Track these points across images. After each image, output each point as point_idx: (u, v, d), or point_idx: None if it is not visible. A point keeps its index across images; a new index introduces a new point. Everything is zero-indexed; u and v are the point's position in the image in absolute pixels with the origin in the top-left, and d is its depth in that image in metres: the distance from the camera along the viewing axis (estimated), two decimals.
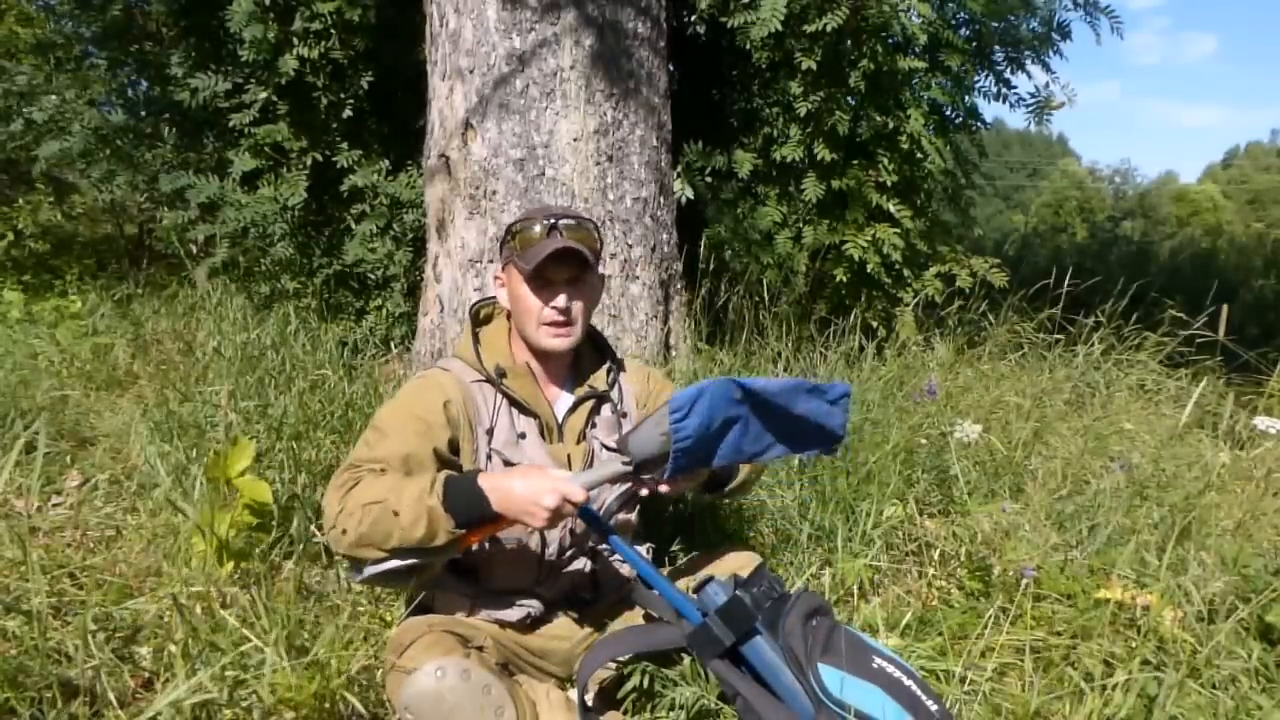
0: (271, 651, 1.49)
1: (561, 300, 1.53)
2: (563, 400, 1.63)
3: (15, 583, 1.67)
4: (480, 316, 1.69)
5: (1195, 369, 3.34)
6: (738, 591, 1.35)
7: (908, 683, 1.34)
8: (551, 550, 1.58)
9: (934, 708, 1.32)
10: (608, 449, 1.63)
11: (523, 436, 1.55)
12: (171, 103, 4.25)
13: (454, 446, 1.50)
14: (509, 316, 1.64)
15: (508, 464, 1.52)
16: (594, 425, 1.64)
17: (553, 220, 1.53)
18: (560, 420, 1.61)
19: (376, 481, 1.36)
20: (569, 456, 1.59)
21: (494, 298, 1.70)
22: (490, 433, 1.53)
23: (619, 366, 1.72)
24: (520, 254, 1.53)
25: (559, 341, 1.56)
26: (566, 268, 1.52)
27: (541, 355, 1.60)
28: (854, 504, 2.22)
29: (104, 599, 1.73)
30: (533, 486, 1.30)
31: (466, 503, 1.31)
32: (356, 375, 3.01)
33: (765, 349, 3.20)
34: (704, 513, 2.21)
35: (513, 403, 1.56)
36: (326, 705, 1.48)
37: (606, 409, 1.65)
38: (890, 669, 1.35)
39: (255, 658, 1.48)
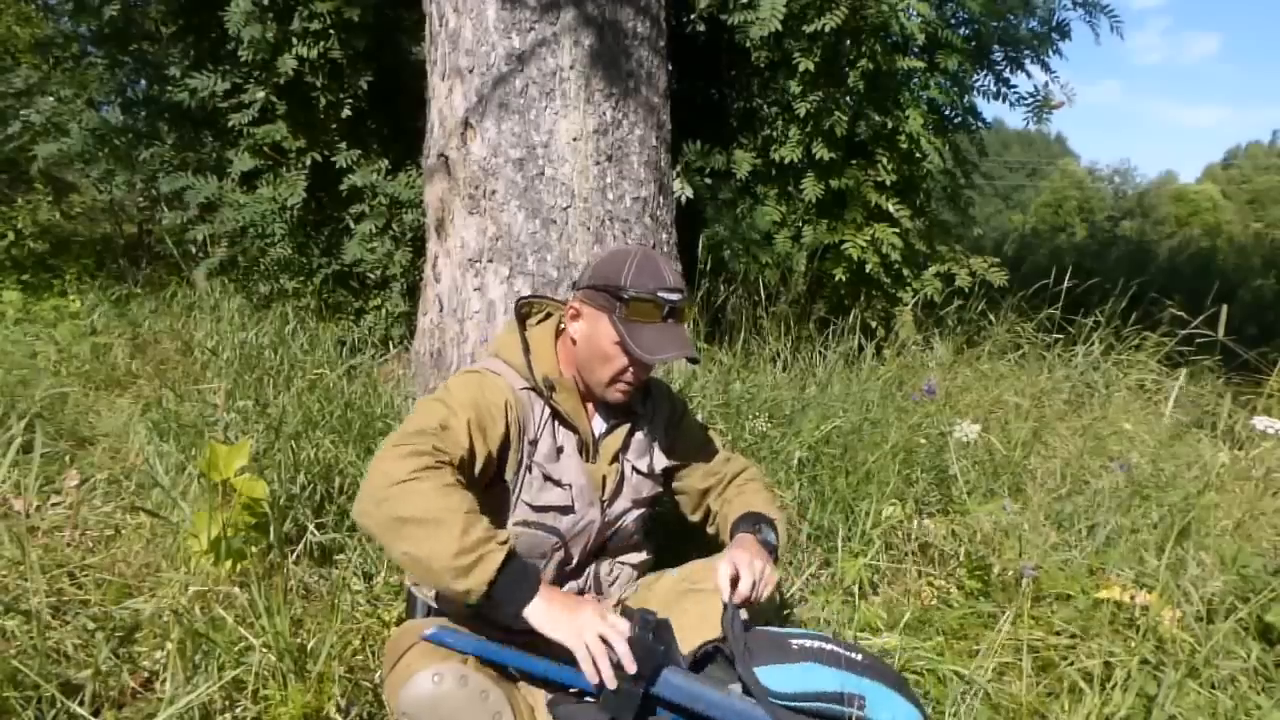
0: (270, 654, 1.49)
1: (645, 373, 1.54)
2: (598, 418, 1.62)
3: (14, 582, 1.67)
4: (521, 313, 1.65)
5: (1193, 369, 3.34)
6: (633, 633, 1.29)
7: (829, 646, 1.38)
8: (574, 559, 1.58)
9: (858, 657, 1.37)
10: (638, 473, 1.64)
11: (561, 451, 1.55)
12: (170, 102, 4.25)
13: (502, 455, 1.47)
14: (559, 331, 1.60)
15: (547, 478, 1.51)
16: (627, 449, 1.63)
17: (668, 304, 1.48)
18: (596, 438, 1.60)
19: (453, 492, 1.28)
20: (604, 477, 1.58)
21: (532, 297, 1.69)
22: (534, 444, 1.52)
23: (654, 390, 1.72)
24: (626, 324, 1.47)
25: (624, 399, 1.55)
26: None
27: None
28: (853, 504, 2.22)
29: (103, 598, 1.73)
30: (586, 616, 1.27)
31: (517, 581, 1.26)
32: (355, 375, 3.01)
33: (764, 349, 3.20)
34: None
35: (556, 416, 1.55)
36: (321, 709, 1.49)
37: (640, 433, 1.65)
38: (809, 642, 1.39)
39: (253, 658, 1.48)
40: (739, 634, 1.37)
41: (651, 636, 1.29)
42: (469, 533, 1.24)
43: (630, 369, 1.51)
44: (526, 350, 1.56)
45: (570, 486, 1.53)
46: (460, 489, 1.31)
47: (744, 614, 1.43)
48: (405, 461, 1.28)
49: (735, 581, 1.42)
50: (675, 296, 1.49)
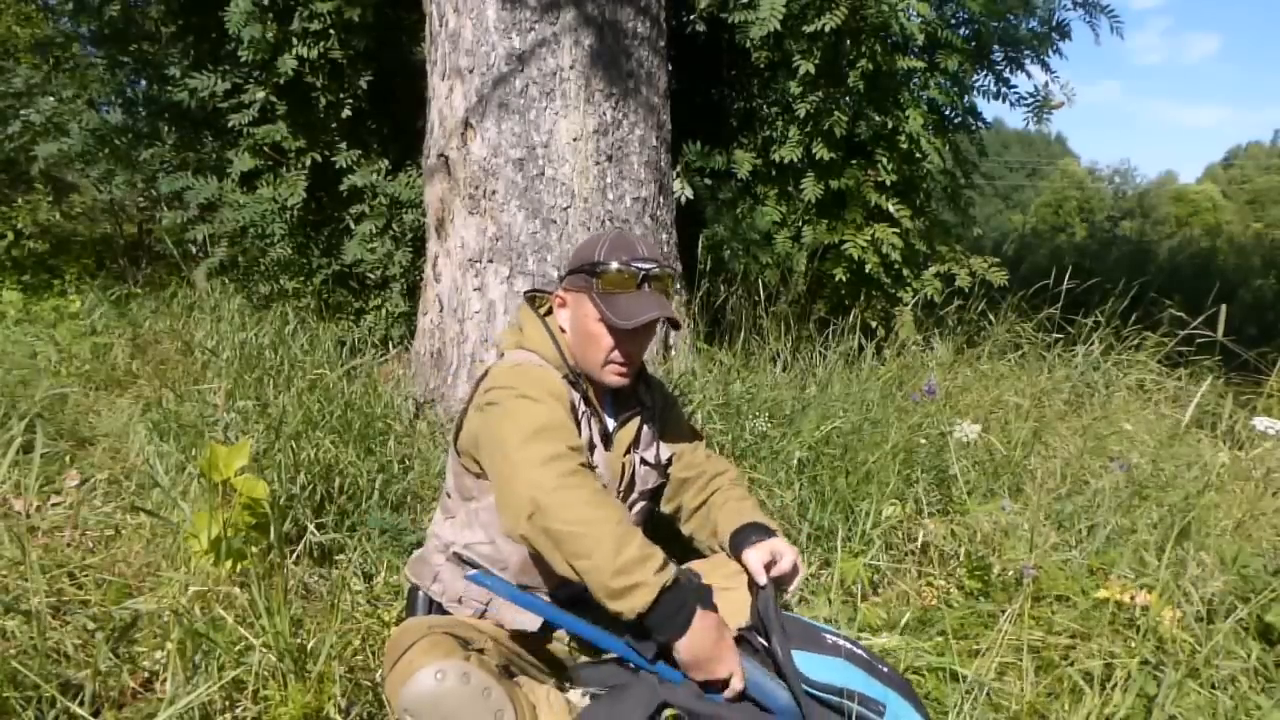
0: (270, 654, 1.49)
1: (635, 349, 1.53)
2: (606, 412, 1.63)
3: (15, 582, 1.67)
4: (536, 305, 1.65)
5: (1194, 369, 3.34)
6: None
7: (859, 650, 1.42)
8: None
9: (884, 669, 1.41)
10: (645, 464, 1.65)
11: (593, 443, 1.56)
12: (170, 102, 4.25)
13: None
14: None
15: (591, 468, 1.50)
16: (637, 442, 1.64)
17: (643, 271, 1.49)
18: (610, 430, 1.61)
19: (603, 502, 1.28)
20: (623, 465, 1.60)
21: (536, 290, 1.69)
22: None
23: (652, 382, 1.73)
24: (604, 297, 1.48)
25: (621, 380, 1.55)
26: None
27: None
28: (854, 504, 2.22)
29: (103, 598, 1.73)
30: (728, 653, 1.31)
31: (669, 615, 1.26)
32: (355, 375, 3.01)
33: (764, 349, 3.20)
34: None
35: (588, 404, 1.56)
36: (321, 709, 1.49)
37: (647, 426, 1.66)
38: (842, 641, 1.42)
39: (253, 658, 1.48)
40: (777, 614, 1.39)
41: None
42: (622, 550, 1.23)
43: (617, 347, 1.51)
44: (554, 339, 1.56)
45: (601, 476, 1.54)
46: (608, 496, 1.33)
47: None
48: (548, 469, 1.28)
49: (769, 568, 1.46)
50: (648, 265, 1.50)
